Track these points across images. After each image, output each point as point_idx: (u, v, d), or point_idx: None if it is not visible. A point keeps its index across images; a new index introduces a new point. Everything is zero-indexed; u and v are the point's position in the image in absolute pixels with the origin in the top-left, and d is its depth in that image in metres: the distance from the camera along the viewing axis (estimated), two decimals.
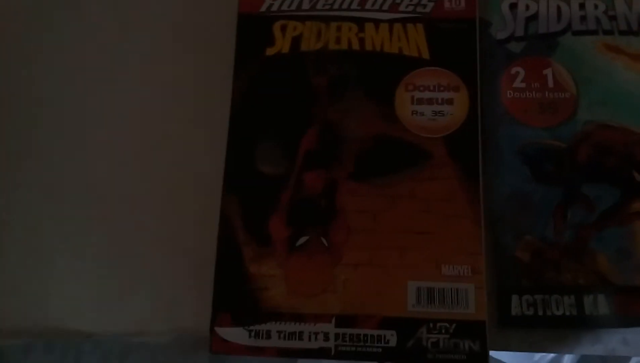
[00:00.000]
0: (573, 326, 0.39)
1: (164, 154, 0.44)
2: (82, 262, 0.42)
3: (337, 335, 0.39)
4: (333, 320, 0.39)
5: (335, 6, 0.46)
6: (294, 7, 0.46)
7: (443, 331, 0.39)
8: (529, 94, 0.44)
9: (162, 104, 0.45)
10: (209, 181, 0.42)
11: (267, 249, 0.41)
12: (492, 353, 0.38)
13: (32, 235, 0.43)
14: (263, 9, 0.46)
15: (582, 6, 0.45)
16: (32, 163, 0.44)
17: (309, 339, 0.39)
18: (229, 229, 0.41)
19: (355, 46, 0.45)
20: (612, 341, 0.39)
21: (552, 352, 0.40)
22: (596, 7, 0.45)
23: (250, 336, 0.39)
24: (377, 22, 0.45)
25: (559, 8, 0.45)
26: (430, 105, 0.43)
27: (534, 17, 0.45)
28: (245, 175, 0.42)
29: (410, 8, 0.46)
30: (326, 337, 0.39)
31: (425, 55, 0.45)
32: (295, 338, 0.39)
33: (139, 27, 0.47)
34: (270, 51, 0.45)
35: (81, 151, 0.45)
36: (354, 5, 0.46)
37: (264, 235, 0.41)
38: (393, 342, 0.39)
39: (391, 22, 0.45)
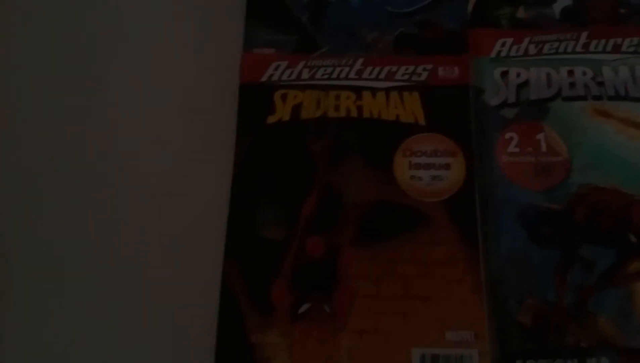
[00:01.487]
0: None
1: (166, 222, 0.45)
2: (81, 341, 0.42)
3: None
4: None
5: (334, 75, 0.47)
6: (294, 76, 0.47)
7: None
8: (523, 158, 0.45)
9: (166, 175, 0.46)
10: (211, 248, 0.43)
11: (269, 317, 0.41)
12: None
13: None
14: (264, 78, 0.47)
15: (570, 73, 0.47)
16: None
17: None
18: (231, 297, 0.41)
19: (354, 113, 0.46)
20: None
21: None
22: (584, 73, 0.47)
23: None
24: (374, 91, 0.47)
25: (548, 75, 0.47)
26: (428, 170, 0.44)
27: (525, 84, 0.47)
28: (246, 241, 0.43)
29: (406, 77, 0.47)
30: None
31: (422, 121, 0.46)
32: None
33: (143, 100, 0.48)
34: (271, 119, 0.46)
35: (75, 225, 0.45)
36: (352, 75, 0.47)
37: (266, 302, 0.41)
38: None
39: (388, 90, 0.47)
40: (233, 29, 0.49)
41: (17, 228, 0.45)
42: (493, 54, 0.48)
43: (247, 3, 0.49)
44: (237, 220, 0.43)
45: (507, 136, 0.45)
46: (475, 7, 0.49)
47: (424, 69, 0.47)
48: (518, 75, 0.47)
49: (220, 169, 0.45)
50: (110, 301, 0.43)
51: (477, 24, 0.49)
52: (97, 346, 0.42)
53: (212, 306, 0.41)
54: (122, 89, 0.49)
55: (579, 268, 0.42)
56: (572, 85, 0.47)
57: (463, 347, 0.40)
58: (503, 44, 0.48)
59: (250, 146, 0.45)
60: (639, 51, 0.48)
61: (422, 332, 0.40)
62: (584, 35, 0.48)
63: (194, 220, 0.44)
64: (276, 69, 0.47)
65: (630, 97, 0.46)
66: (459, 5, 0.49)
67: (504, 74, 0.47)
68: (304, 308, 0.41)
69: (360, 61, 0.48)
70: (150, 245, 0.44)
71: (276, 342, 0.40)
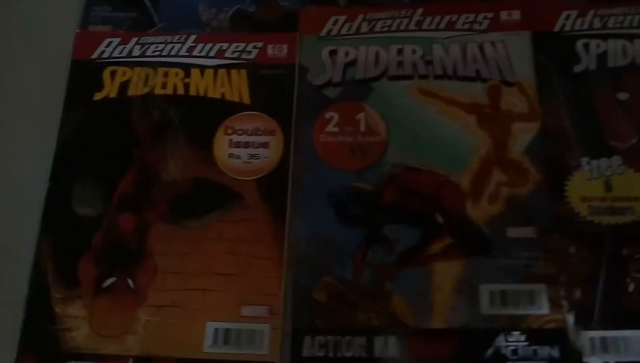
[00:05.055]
0: None
1: None
2: None
3: None
4: (130, 362, 0.40)
5: (164, 53, 0.48)
6: (124, 53, 0.48)
7: None
8: (341, 138, 0.45)
9: None
10: (29, 222, 0.44)
11: (75, 291, 0.42)
12: None
13: None
14: (95, 55, 0.48)
15: (400, 51, 0.47)
16: None
17: None
18: (40, 271, 0.42)
19: (180, 90, 0.47)
20: None
21: None
22: (414, 52, 0.47)
23: None
24: (202, 68, 0.47)
25: (377, 54, 0.47)
26: (247, 148, 0.45)
27: (352, 63, 0.47)
28: (61, 217, 0.44)
29: (236, 55, 0.47)
30: None
31: (246, 100, 0.46)
32: None
33: None
34: (98, 96, 0.47)
35: None
36: (182, 52, 0.48)
37: (73, 277, 0.42)
38: None
39: (216, 68, 0.47)
40: (73, 8, 0.49)
41: None
42: (323, 33, 0.47)
43: None
44: (54, 197, 0.44)
45: (328, 115, 0.45)
46: None
47: (255, 47, 0.47)
48: (347, 54, 0.47)
49: (44, 146, 0.45)
50: None
51: (315, 1, 0.49)
52: None
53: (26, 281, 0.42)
54: None
55: (380, 247, 0.42)
56: (399, 64, 0.46)
57: (257, 321, 0.41)
58: (335, 22, 0.48)
59: (75, 123, 0.46)
60: (474, 28, 0.47)
61: (219, 307, 0.41)
62: (418, 12, 0.48)
63: (14, 197, 0.45)
64: (108, 45, 0.48)
65: (458, 76, 0.46)
66: None
67: (333, 53, 0.47)
68: (108, 282, 0.42)
69: (192, 38, 0.48)
70: None
71: (78, 313, 0.41)
